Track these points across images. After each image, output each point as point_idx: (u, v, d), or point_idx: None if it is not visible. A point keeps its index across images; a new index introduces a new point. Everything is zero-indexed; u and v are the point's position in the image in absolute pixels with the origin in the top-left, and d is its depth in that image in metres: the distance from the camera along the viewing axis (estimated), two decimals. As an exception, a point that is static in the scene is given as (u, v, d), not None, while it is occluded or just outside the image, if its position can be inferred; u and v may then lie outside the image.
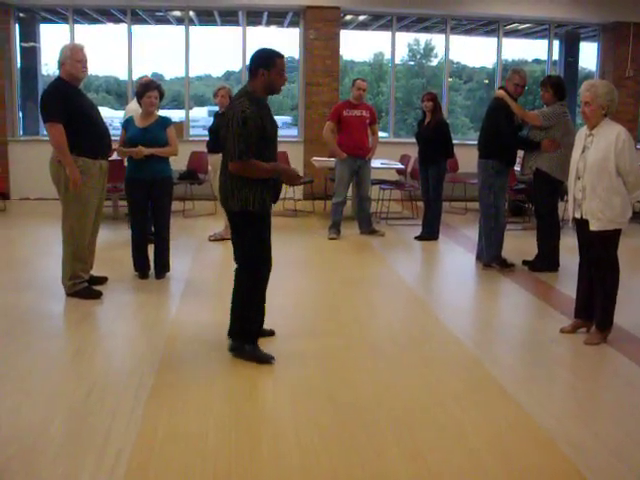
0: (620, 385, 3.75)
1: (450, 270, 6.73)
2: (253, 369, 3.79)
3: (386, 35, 11.13)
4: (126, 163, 5.66)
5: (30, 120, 10.98)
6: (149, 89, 5.50)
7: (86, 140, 4.87)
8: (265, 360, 3.87)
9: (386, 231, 7.93)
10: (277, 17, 11.46)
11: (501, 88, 6.26)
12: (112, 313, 4.88)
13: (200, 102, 13.33)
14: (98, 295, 5.07)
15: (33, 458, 2.78)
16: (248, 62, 3.87)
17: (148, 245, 5.69)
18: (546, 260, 6.17)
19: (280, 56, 3.79)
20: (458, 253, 7.19)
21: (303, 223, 8.68)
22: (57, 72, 4.96)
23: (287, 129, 12.90)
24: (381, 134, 9.19)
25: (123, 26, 10.60)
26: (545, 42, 11.61)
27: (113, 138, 5.31)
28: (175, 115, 9.65)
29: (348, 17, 11.23)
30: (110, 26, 11.71)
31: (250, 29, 10.98)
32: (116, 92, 13.93)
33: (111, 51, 11.24)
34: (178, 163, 7.57)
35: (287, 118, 13.86)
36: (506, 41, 11.44)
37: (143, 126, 5.55)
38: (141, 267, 5.68)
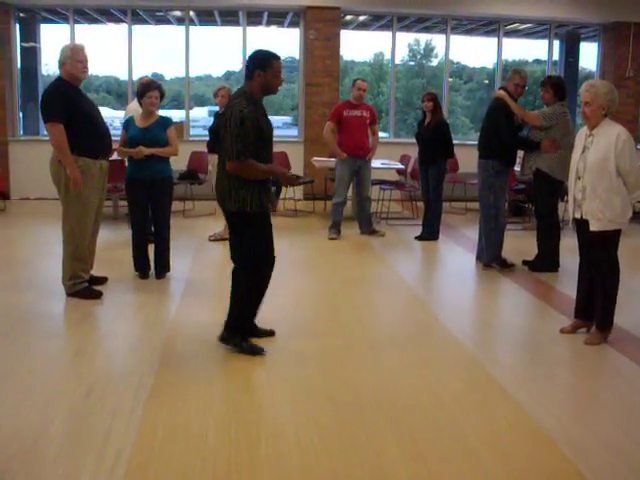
0: (620, 385, 3.75)
1: (450, 270, 6.73)
2: (253, 369, 3.80)
3: (386, 35, 11.13)
4: (126, 163, 5.66)
5: (30, 120, 10.98)
6: (150, 89, 5.50)
7: (87, 140, 4.87)
8: (257, 351, 3.93)
9: (386, 231, 7.93)
10: (277, 17, 11.46)
11: (501, 88, 6.27)
12: (112, 313, 4.89)
13: (200, 102, 13.33)
14: (98, 295, 5.08)
15: (33, 458, 2.78)
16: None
17: (148, 245, 5.69)
18: (546, 260, 6.17)
19: (276, 57, 3.80)
20: (458, 253, 7.19)
21: (303, 223, 8.68)
22: (57, 72, 4.96)
23: (287, 129, 12.90)
24: (381, 134, 9.18)
25: (123, 26, 10.61)
26: (545, 42, 11.60)
27: (113, 138, 5.30)
28: (175, 115, 9.64)
29: (348, 17, 11.23)
30: (110, 26, 11.71)
31: (250, 29, 10.99)
32: (116, 92, 13.94)
33: (111, 51, 11.25)
34: (178, 163, 7.57)
35: (287, 118, 13.86)
36: (506, 41, 11.43)
37: (143, 126, 5.55)
38: (141, 267, 5.68)
